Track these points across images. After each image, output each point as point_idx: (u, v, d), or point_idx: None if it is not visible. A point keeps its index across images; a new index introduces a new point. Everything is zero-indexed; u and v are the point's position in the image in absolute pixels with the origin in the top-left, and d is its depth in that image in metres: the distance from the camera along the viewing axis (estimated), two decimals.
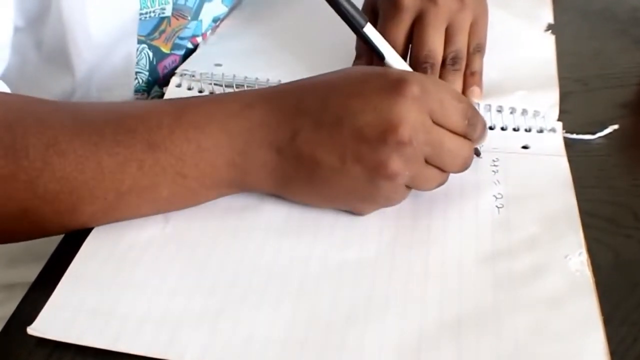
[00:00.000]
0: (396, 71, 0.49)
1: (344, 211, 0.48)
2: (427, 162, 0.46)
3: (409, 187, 0.47)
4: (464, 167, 0.48)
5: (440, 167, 0.47)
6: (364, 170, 0.45)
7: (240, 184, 0.47)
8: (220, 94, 0.50)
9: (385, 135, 0.44)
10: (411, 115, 0.44)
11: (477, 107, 0.49)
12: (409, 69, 0.52)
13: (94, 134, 0.45)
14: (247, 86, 0.60)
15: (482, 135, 0.49)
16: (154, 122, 0.45)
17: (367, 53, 0.59)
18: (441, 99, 0.46)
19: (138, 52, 0.62)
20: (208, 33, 0.69)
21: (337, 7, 0.51)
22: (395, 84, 0.45)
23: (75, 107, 0.49)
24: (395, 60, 0.53)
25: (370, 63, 0.58)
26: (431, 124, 0.45)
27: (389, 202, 0.47)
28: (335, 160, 0.45)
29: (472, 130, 0.47)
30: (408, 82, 0.45)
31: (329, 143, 0.45)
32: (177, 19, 0.63)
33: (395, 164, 0.44)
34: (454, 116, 0.46)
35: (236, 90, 0.60)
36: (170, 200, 0.47)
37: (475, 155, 0.50)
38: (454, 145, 0.46)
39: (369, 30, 0.53)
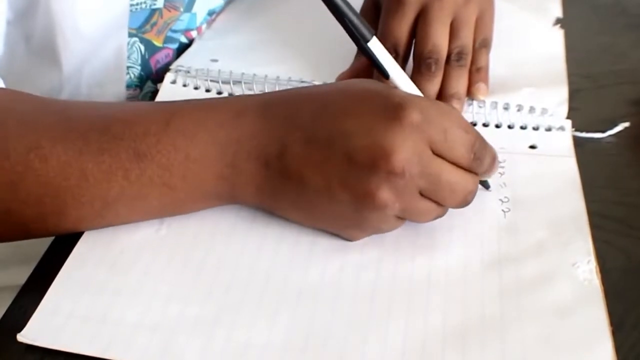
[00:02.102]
0: (399, 93, 0.45)
1: None
2: (422, 194, 0.44)
3: (401, 218, 0.45)
4: (464, 203, 0.45)
5: (436, 202, 0.45)
6: (351, 197, 0.43)
7: (228, 197, 0.47)
8: (212, 100, 0.49)
9: (376, 162, 0.42)
10: (407, 144, 0.42)
11: (485, 139, 0.46)
12: (417, 90, 0.49)
13: (79, 138, 0.45)
14: (245, 83, 0.60)
15: (490, 169, 0.46)
16: (140, 129, 0.45)
17: None
18: (445, 128, 0.43)
19: (129, 46, 0.62)
20: (203, 27, 0.69)
21: (342, 19, 0.47)
22: (395, 107, 0.43)
23: (61, 107, 0.49)
24: (401, 80, 0.49)
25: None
26: (430, 155, 0.43)
27: (378, 231, 0.46)
28: (321, 182, 0.44)
29: (478, 164, 0.45)
30: (408, 107, 0.43)
31: (318, 163, 0.44)
32: (169, 11, 0.63)
33: (384, 194, 0.43)
34: (459, 148, 0.44)
35: (233, 87, 0.60)
36: (160, 209, 0.47)
37: (484, 188, 0.49)
38: (454, 180, 0.44)
39: (375, 44, 0.49)
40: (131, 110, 0.48)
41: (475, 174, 0.45)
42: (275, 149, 0.45)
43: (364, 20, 0.47)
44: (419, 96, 0.46)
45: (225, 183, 0.46)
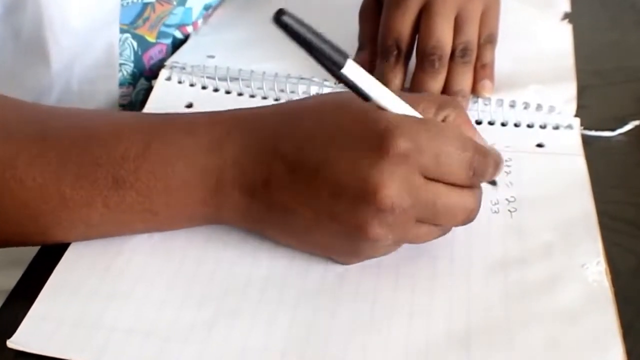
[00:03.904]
0: (386, 117, 0.42)
1: None
2: (419, 220, 0.43)
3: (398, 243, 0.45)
4: (467, 222, 0.44)
5: (436, 225, 0.44)
6: (341, 229, 0.42)
7: (214, 219, 0.47)
8: (195, 118, 0.47)
9: (363, 197, 0.41)
10: (394, 178, 0.40)
11: (486, 145, 0.44)
12: (407, 108, 0.44)
13: (56, 158, 0.44)
14: (242, 79, 0.60)
15: (494, 174, 0.45)
16: (119, 153, 0.44)
17: (371, 44, 0.59)
18: (437, 153, 0.41)
19: (121, 42, 0.62)
20: (199, 22, 0.69)
21: (308, 48, 0.40)
22: (381, 136, 0.41)
23: (41, 117, 0.48)
24: (385, 100, 0.43)
25: (374, 55, 0.58)
26: (422, 182, 0.41)
27: (374, 257, 0.45)
28: (309, 214, 0.43)
29: (479, 179, 0.44)
30: (395, 135, 0.40)
31: (304, 194, 0.43)
32: (162, 5, 0.63)
33: (375, 229, 0.41)
34: (455, 171, 0.42)
35: (230, 84, 0.60)
36: (145, 230, 0.47)
37: (491, 185, 0.47)
38: (452, 203, 0.42)
39: (349, 69, 0.41)
40: (112, 128, 0.47)
41: (477, 188, 0.44)
42: (259, 179, 0.44)
43: (333, 43, 0.41)
44: (407, 118, 0.43)
45: (209, 208, 0.45)
